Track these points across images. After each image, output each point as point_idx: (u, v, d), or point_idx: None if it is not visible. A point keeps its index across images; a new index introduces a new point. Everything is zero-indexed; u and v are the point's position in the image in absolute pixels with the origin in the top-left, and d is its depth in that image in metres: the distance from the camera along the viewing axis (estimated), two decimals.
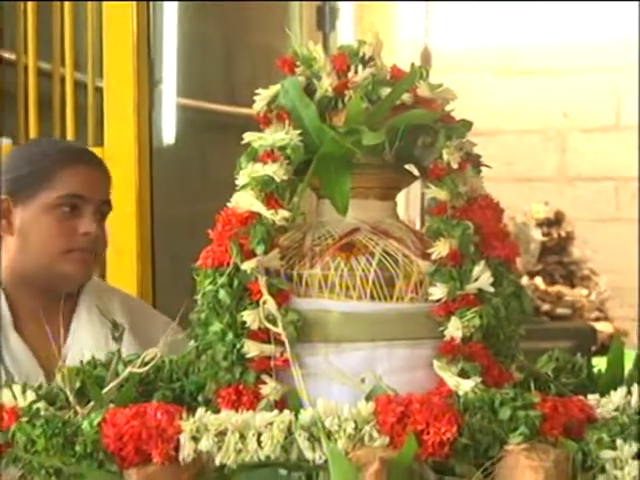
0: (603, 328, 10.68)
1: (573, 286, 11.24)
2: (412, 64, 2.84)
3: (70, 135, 5.29)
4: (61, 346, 3.78)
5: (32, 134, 5.25)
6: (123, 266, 5.09)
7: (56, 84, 5.36)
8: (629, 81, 12.39)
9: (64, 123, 5.30)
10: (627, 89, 12.54)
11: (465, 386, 2.66)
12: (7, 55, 5.39)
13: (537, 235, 11.08)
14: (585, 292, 11.23)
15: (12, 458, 2.65)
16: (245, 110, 2.64)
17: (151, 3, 5.52)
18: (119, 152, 5.13)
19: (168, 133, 7.92)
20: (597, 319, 10.97)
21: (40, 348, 3.92)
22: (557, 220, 11.42)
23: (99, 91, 5.26)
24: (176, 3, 8.08)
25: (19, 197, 3.90)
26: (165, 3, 7.90)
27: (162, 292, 5.14)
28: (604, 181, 12.71)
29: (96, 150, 5.07)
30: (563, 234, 11.42)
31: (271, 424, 2.58)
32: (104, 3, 5.16)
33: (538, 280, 10.82)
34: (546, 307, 10.78)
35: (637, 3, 12.02)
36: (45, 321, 3.86)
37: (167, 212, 5.41)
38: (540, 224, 11.23)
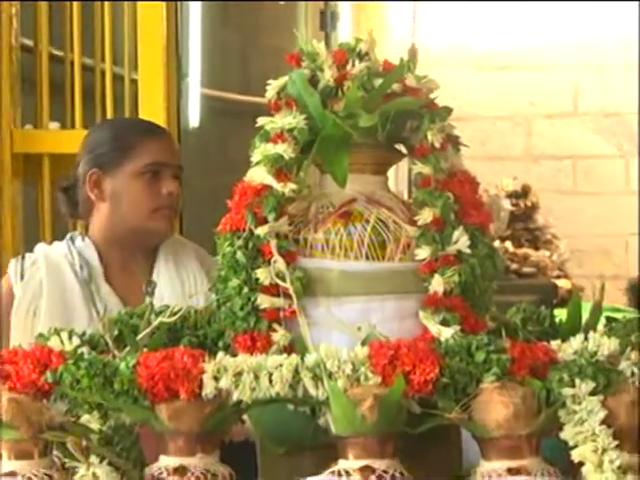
0: (563, 284, 10.69)
1: (537, 249, 11.24)
2: (401, 59, 2.85)
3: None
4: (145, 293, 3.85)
5: (77, 120, 5.24)
6: None
7: (97, 77, 5.34)
8: (585, 75, 12.40)
9: (104, 110, 5.29)
10: (583, 81, 12.54)
11: (446, 333, 2.66)
12: (55, 52, 5.36)
13: (507, 205, 11.09)
14: (547, 254, 11.23)
15: (60, 395, 2.64)
16: (258, 99, 2.63)
17: (178, 5, 5.50)
18: None
19: (193, 118, 7.91)
20: (558, 277, 10.98)
21: (127, 296, 3.93)
22: (524, 192, 11.42)
23: (134, 82, 5.24)
24: (199, 6, 8.06)
25: (107, 169, 3.93)
26: (191, 6, 7.88)
27: None
28: (564, 159, 12.70)
29: None
30: (529, 204, 11.43)
31: (281, 366, 2.58)
32: (138, 4, 5.14)
33: (507, 244, 10.82)
34: (514, 266, 10.79)
35: (587, 8, 12.02)
36: (131, 273, 3.98)
37: (192, 185, 5.39)
38: (509, 196, 11.24)
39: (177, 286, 3.94)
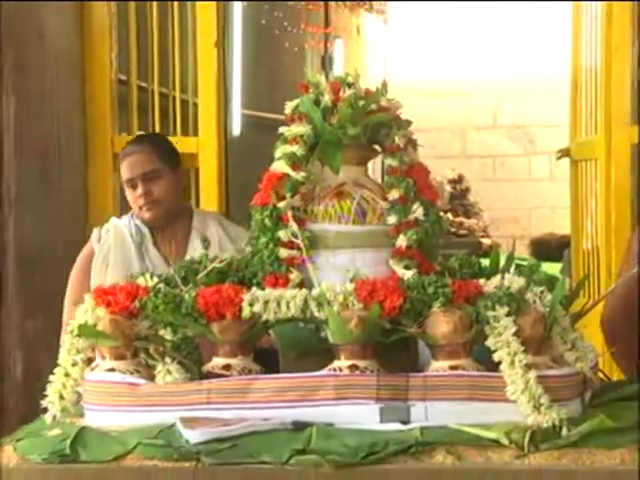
0: (486, 242, 10.70)
1: (469, 218, 11.26)
2: (376, 87, 2.84)
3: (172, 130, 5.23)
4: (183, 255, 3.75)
5: (157, 129, 5.20)
6: (213, 206, 5.03)
7: (170, 100, 5.29)
8: (501, 100, 12.40)
9: (175, 123, 5.24)
10: (500, 104, 12.54)
11: (407, 274, 2.65)
12: (141, 83, 5.31)
13: (448, 188, 11.11)
14: (475, 221, 11.25)
15: (144, 316, 2.64)
16: (280, 116, 2.64)
17: (226, 50, 5.45)
18: (209, 142, 5.09)
19: (235, 130, 7.90)
20: (482, 237, 11.01)
21: (168, 255, 3.86)
22: (459, 179, 11.46)
23: (195, 105, 5.19)
24: (240, 51, 8.03)
25: None
26: (234, 50, 7.86)
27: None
28: (486, 157, 12.74)
29: (193, 140, 5.09)
30: (463, 188, 11.48)
31: (295, 296, 2.59)
32: (199, 51, 5.10)
33: (449, 214, 10.82)
34: (453, 230, 10.82)
35: (504, 52, 11.97)
36: (170, 240, 3.90)
37: (236, 177, 5.37)
38: (450, 182, 11.27)
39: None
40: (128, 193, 3.85)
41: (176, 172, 3.88)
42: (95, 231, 3.99)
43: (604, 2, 4.89)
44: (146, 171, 3.79)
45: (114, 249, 3.89)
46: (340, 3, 11.67)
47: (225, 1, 5.51)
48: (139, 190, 3.79)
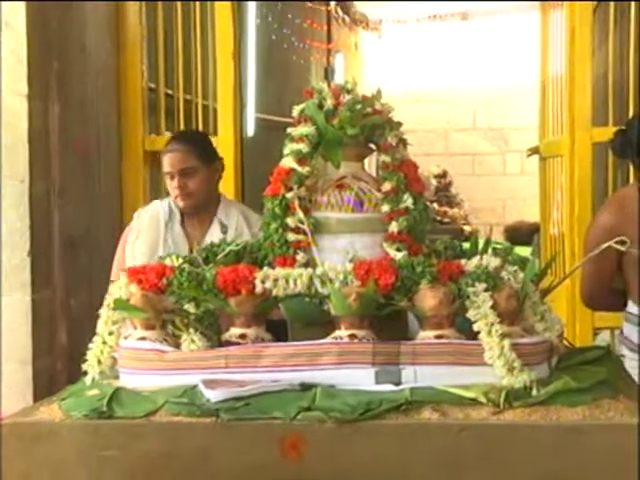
0: (466, 228, 10.68)
1: (452, 207, 11.26)
2: (372, 94, 2.82)
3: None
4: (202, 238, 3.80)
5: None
6: (230, 197, 5.02)
7: (193, 106, 5.30)
8: (479, 105, 12.38)
9: (197, 126, 5.24)
10: (478, 109, 12.52)
11: (398, 256, 2.64)
12: (168, 91, 5.32)
13: (433, 182, 11.08)
14: (457, 210, 11.23)
15: (171, 292, 2.62)
16: (288, 119, 2.63)
17: (242, 62, 5.45)
18: (226, 141, 5.08)
19: (250, 131, 7.88)
20: (464, 224, 11.00)
21: (190, 234, 3.89)
22: (443, 174, 11.45)
23: (214, 110, 5.19)
24: (254, 63, 8.02)
25: None
26: (249, 63, 7.84)
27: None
28: (467, 155, 12.71)
29: (212, 139, 5.06)
30: (446, 181, 11.43)
31: (301, 274, 2.57)
32: (218, 64, 5.09)
33: (434, 205, 10.80)
34: (438, 218, 10.80)
35: (482, 62, 11.95)
36: (196, 223, 3.92)
37: (251, 172, 5.37)
38: (435, 176, 11.24)
39: (219, 233, 3.84)
40: (167, 182, 3.88)
41: (210, 168, 3.89)
42: (138, 210, 4.05)
43: (569, 19, 4.88)
44: (182, 167, 3.81)
45: (147, 224, 3.94)
46: (341, 22, 11.67)
47: (241, 6, 5.48)
48: (175, 182, 3.82)
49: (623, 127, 3.74)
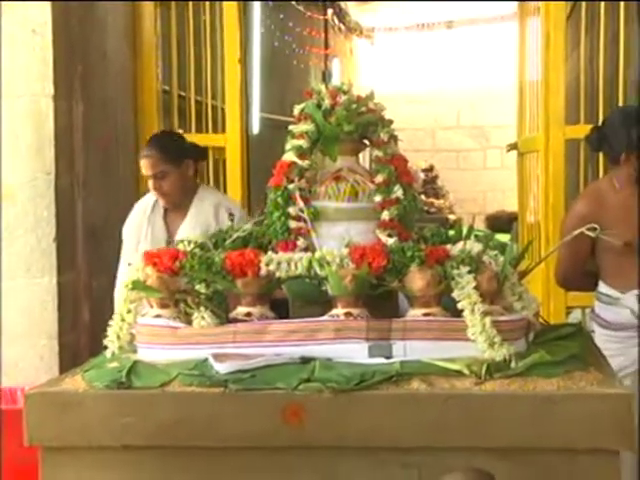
0: (451, 217, 10.66)
1: (438, 199, 11.21)
2: (366, 94, 2.81)
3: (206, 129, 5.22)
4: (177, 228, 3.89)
5: (193, 129, 5.22)
6: (235, 193, 5.04)
7: (203, 106, 5.28)
8: (463, 105, 12.37)
9: (207, 124, 5.22)
10: (462, 109, 12.50)
11: (390, 241, 2.63)
12: (181, 93, 5.31)
13: (421, 175, 11.05)
14: (443, 201, 11.20)
15: (183, 274, 2.62)
16: (290, 118, 2.62)
17: (247, 67, 5.43)
18: (234, 138, 5.07)
19: (255, 129, 7.86)
20: (449, 214, 10.95)
21: (169, 225, 3.95)
22: (430, 169, 11.39)
23: (223, 110, 5.18)
24: (259, 67, 7.99)
25: None
26: (254, 67, 7.81)
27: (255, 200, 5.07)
28: (451, 151, 12.69)
29: (221, 136, 5.09)
30: (433, 175, 11.40)
31: (302, 258, 2.57)
32: (227, 70, 5.08)
33: (422, 196, 10.78)
34: (426, 208, 10.77)
35: (465, 65, 11.93)
36: (176, 216, 3.95)
37: (257, 165, 5.35)
38: (423, 170, 11.20)
39: (195, 225, 3.86)
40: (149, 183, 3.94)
41: (181, 168, 3.89)
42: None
43: (544, 27, 4.87)
44: (155, 172, 3.85)
45: (135, 214, 4.04)
46: (337, 30, 11.65)
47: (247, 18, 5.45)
48: (152, 184, 3.88)
49: (598, 124, 3.77)
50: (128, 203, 4.48)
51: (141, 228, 3.97)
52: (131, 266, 2.70)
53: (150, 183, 3.89)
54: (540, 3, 4.92)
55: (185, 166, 3.91)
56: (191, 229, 3.82)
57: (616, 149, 3.62)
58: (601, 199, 3.63)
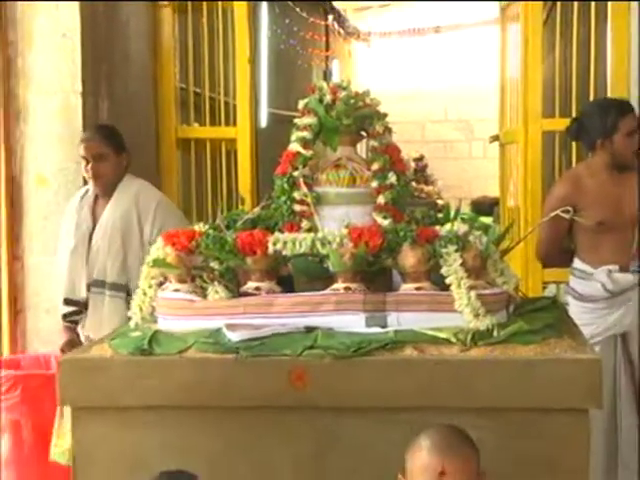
0: (440, 202, 10.61)
1: (427, 185, 11.17)
2: (363, 91, 2.78)
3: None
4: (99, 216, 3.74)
5: (208, 122, 5.20)
6: (246, 180, 5.03)
7: (216, 102, 5.26)
8: (449, 101, 12.33)
9: (220, 118, 5.20)
10: (449, 104, 12.47)
11: (385, 223, 2.61)
12: (196, 89, 5.28)
13: (412, 164, 11.01)
14: (432, 187, 11.17)
15: (199, 252, 2.60)
16: (294, 113, 2.61)
17: (255, 67, 5.40)
18: (244, 131, 5.04)
19: (263, 123, 7.83)
20: (437, 198, 10.90)
21: (95, 211, 3.78)
22: (421, 158, 11.34)
23: (234, 106, 5.16)
24: (266, 67, 7.95)
25: None
26: (262, 67, 7.76)
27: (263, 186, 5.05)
28: (440, 143, 12.65)
29: (233, 129, 5.07)
30: (423, 164, 11.36)
31: (305, 238, 2.55)
32: (238, 72, 5.05)
33: (413, 183, 10.75)
34: (416, 194, 10.71)
35: (451, 65, 11.89)
36: (102, 202, 3.77)
37: (265, 156, 5.33)
38: (414, 160, 11.16)
39: (116, 209, 3.72)
40: (83, 165, 3.76)
41: (119, 156, 3.77)
42: None
43: (523, 31, 4.85)
44: (96, 153, 3.71)
45: (71, 203, 3.88)
46: (337, 34, 11.61)
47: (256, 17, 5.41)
48: (89, 166, 3.72)
49: (577, 116, 3.81)
50: None
51: (72, 213, 3.83)
52: (153, 246, 2.68)
53: (86, 166, 3.72)
54: (520, 9, 4.90)
55: (123, 157, 3.79)
56: (112, 212, 3.72)
57: (592, 137, 3.66)
58: (578, 182, 3.67)
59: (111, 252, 3.70)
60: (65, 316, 3.83)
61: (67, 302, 3.80)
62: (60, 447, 3.57)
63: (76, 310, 3.79)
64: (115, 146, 3.77)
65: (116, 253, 3.69)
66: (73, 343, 3.70)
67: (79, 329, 3.82)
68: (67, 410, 3.48)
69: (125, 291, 3.64)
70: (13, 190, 4.24)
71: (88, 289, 3.74)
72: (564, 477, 2.27)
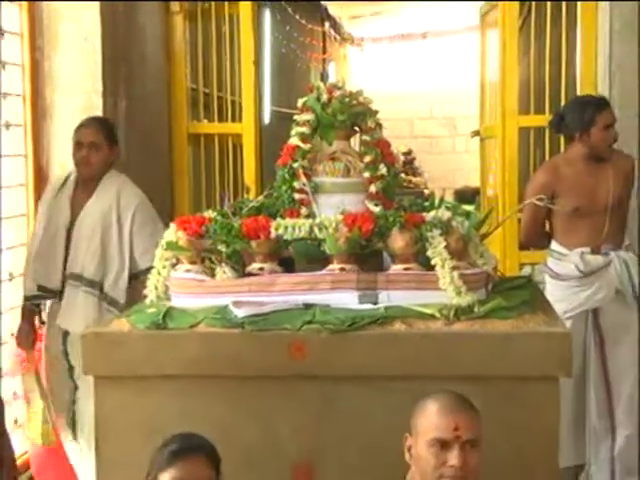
0: (426, 192, 10.59)
1: (415, 176, 11.15)
2: (357, 90, 2.77)
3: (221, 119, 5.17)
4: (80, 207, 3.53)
5: (215, 119, 5.16)
6: (250, 171, 5.01)
7: (224, 101, 5.23)
8: (435, 99, 12.30)
9: (227, 115, 5.18)
10: (434, 103, 12.44)
11: (376, 209, 2.61)
12: (205, 89, 5.26)
13: (402, 157, 10.98)
14: (419, 178, 11.15)
15: (208, 236, 2.59)
16: (294, 111, 2.59)
17: (260, 70, 5.37)
18: (249, 127, 5.03)
19: (266, 119, 7.78)
20: (424, 188, 10.89)
21: (77, 205, 3.53)
22: (409, 152, 11.30)
23: (240, 104, 5.12)
24: (269, 69, 7.90)
25: None
26: (265, 69, 7.73)
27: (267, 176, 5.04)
28: (426, 138, 12.62)
29: (239, 125, 5.04)
30: (411, 157, 11.32)
31: (304, 223, 2.54)
32: (242, 64, 5.03)
33: (402, 174, 10.72)
34: (405, 184, 10.68)
35: (436, 67, 11.85)
36: (81, 192, 3.57)
37: (268, 150, 5.31)
38: (403, 153, 11.12)
39: (97, 205, 3.51)
40: (74, 151, 3.54)
41: (111, 148, 3.57)
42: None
43: (500, 37, 4.85)
44: (91, 140, 3.53)
45: (50, 188, 3.69)
46: (333, 39, 11.58)
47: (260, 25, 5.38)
48: (82, 152, 3.51)
49: (558, 111, 3.82)
50: (163, 182, 4.48)
51: (51, 199, 3.59)
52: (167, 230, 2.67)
53: (78, 152, 3.51)
54: (498, 16, 4.89)
55: (114, 151, 3.60)
56: (93, 209, 3.51)
57: (571, 130, 3.67)
58: (557, 171, 3.69)
59: (90, 249, 3.47)
60: (28, 298, 3.60)
61: (40, 289, 3.54)
62: (34, 430, 3.49)
63: (42, 294, 3.56)
64: (110, 139, 3.58)
65: (94, 250, 3.46)
66: (28, 334, 3.55)
67: (44, 314, 3.61)
68: (34, 396, 3.48)
69: (99, 288, 3.44)
70: (41, 179, 4.24)
71: (65, 280, 3.49)
72: (537, 437, 2.28)
